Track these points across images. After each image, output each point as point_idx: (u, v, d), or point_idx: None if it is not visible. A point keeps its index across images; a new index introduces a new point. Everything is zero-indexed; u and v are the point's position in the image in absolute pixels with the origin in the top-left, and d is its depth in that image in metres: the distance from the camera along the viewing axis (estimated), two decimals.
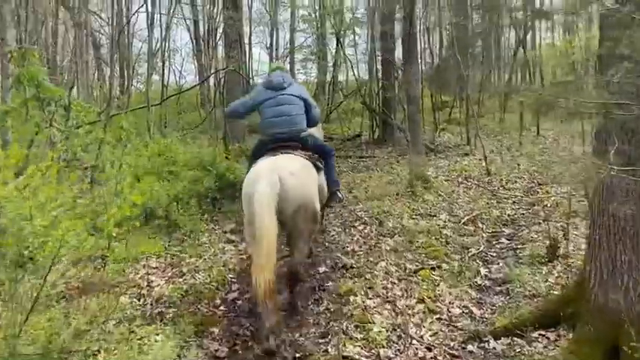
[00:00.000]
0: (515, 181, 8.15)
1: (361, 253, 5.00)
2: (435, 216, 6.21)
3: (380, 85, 12.13)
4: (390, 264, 4.67)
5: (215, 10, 16.80)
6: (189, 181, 5.98)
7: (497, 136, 13.12)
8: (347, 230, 5.78)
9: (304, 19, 16.85)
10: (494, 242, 5.27)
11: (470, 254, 4.85)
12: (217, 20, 16.00)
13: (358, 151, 11.48)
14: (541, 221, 5.76)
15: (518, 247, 5.01)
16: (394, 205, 6.57)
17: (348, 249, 5.14)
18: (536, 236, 5.27)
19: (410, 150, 7.14)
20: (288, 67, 17.31)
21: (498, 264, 4.62)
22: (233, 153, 7.61)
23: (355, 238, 5.45)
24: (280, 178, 3.39)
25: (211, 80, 17.45)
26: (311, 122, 4.35)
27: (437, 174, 8.62)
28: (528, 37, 18.15)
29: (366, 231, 5.71)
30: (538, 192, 7.50)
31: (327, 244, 5.36)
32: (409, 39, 6.89)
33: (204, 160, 6.50)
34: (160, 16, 20.41)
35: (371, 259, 4.79)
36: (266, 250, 3.09)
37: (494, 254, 4.91)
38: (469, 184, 8.02)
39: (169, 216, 5.53)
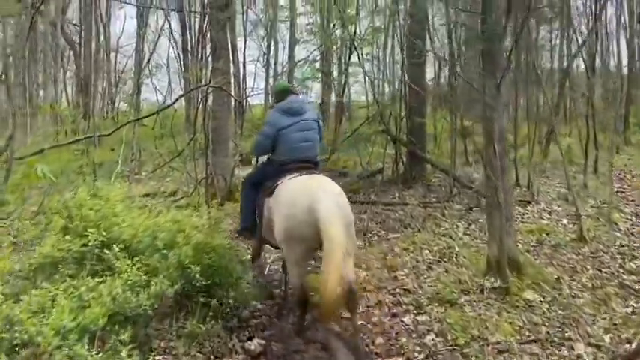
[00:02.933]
0: (634, 255, 5.50)
1: None
2: (564, 344, 3.51)
3: (407, 108, 9.50)
4: None
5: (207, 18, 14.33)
6: (126, 283, 3.25)
7: (544, 173, 10.50)
8: None
9: (309, 29, 14.34)
10: None
11: None
12: (206, 28, 13.49)
13: (382, 194, 8.80)
14: None
15: None
16: (483, 316, 3.87)
17: None
18: None
19: (492, 212, 4.48)
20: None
21: None
22: (215, 213, 4.91)
23: None
24: (337, 196, 3.49)
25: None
26: (321, 142, 4.36)
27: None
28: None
29: None
30: None
31: None
32: (510, 38, 4.27)
33: (160, 237, 3.80)
34: (145, 27, 18.00)
35: None
36: (340, 254, 3.07)
37: None
38: (567, 260, 5.35)
39: None
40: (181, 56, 20.24)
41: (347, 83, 13.25)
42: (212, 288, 3.95)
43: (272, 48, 18.68)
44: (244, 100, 18.56)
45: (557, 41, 15.91)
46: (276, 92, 4.36)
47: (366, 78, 11.68)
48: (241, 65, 19.34)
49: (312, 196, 3.35)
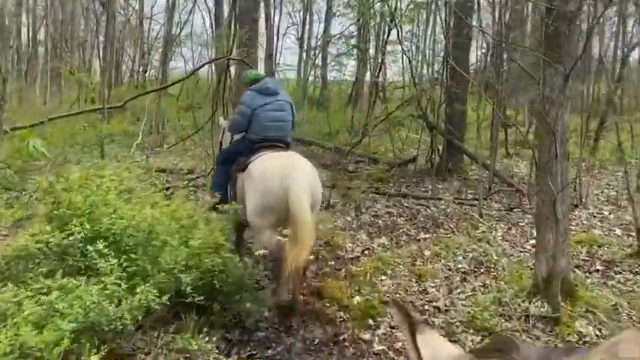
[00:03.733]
0: None
1: None
2: None
3: (447, 93, 8.74)
4: None
5: None
6: (103, 291, 2.73)
7: (591, 172, 9.59)
8: None
9: (346, 2, 13.52)
10: None
11: None
12: None
13: (414, 186, 8.15)
14: None
15: None
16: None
17: None
18: None
19: (544, 224, 3.82)
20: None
21: None
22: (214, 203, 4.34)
23: None
24: (309, 171, 3.78)
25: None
26: (293, 126, 4.56)
27: None
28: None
29: None
30: None
31: None
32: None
33: (156, 231, 3.28)
34: None
35: None
36: (308, 232, 3.39)
37: None
38: (623, 280, 4.65)
39: None
40: (214, 26, 19.70)
41: (384, 62, 12.48)
42: (213, 292, 3.44)
43: (307, 21, 17.94)
44: (278, 74, 18.00)
45: (614, 28, 14.77)
46: (247, 83, 4.49)
47: (404, 57, 10.92)
48: (275, 38, 18.76)
49: (283, 172, 3.60)
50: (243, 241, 4.69)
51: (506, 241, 5.70)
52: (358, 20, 14.30)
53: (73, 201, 3.36)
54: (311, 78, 12.75)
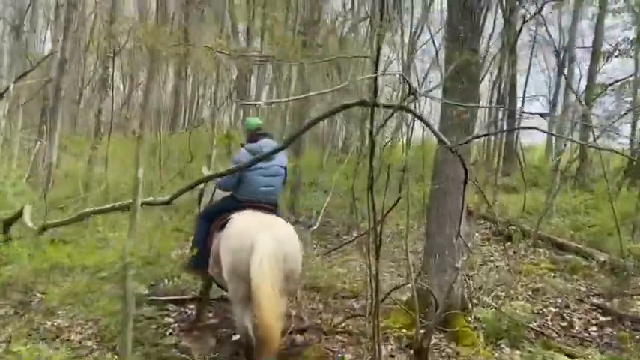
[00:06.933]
0: None
1: None
2: None
3: None
4: None
5: None
6: None
7: None
8: None
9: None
10: None
11: None
12: None
13: None
14: None
15: None
16: None
17: None
18: None
19: None
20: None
21: None
22: None
23: None
24: (283, 236, 3.46)
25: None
26: (283, 187, 4.42)
27: None
28: None
29: None
30: None
31: None
32: None
33: None
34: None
35: None
36: (269, 306, 3.03)
37: None
38: None
39: None
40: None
41: None
42: None
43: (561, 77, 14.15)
44: (517, 142, 14.45)
45: None
46: (247, 131, 4.27)
47: None
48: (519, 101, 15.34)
49: (255, 233, 3.31)
50: (207, 296, 4.55)
51: None
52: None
53: None
54: (567, 146, 9.02)
